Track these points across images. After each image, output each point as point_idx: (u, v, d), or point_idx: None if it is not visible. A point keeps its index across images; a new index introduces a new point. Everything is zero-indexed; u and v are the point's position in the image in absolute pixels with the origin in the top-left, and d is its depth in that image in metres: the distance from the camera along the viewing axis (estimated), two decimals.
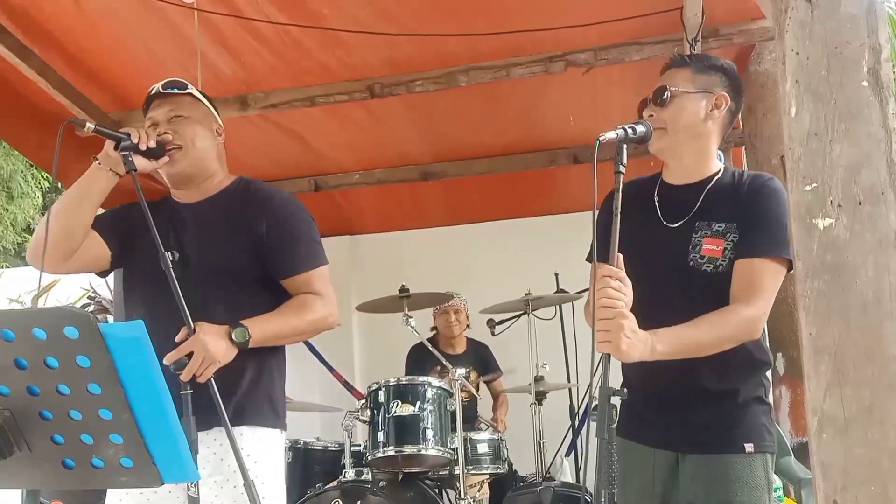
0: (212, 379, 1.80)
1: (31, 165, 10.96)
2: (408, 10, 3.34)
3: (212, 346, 1.81)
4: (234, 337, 1.86)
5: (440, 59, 3.68)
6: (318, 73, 3.78)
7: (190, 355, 1.79)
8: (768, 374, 1.95)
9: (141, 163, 1.94)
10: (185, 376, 1.78)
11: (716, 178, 1.92)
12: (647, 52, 3.54)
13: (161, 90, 2.07)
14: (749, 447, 1.82)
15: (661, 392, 1.91)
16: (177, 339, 1.82)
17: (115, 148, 1.91)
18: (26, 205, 12.51)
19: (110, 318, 6.02)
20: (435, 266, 5.08)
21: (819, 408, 1.37)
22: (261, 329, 1.92)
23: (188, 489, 1.75)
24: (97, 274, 2.13)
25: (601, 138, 1.69)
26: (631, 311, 1.68)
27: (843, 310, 1.36)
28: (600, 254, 1.72)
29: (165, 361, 1.76)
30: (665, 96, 1.88)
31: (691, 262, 1.86)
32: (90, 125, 1.87)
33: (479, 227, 5.41)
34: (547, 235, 5.01)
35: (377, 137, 4.59)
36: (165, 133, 2.01)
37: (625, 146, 1.73)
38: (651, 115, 1.89)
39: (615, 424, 1.98)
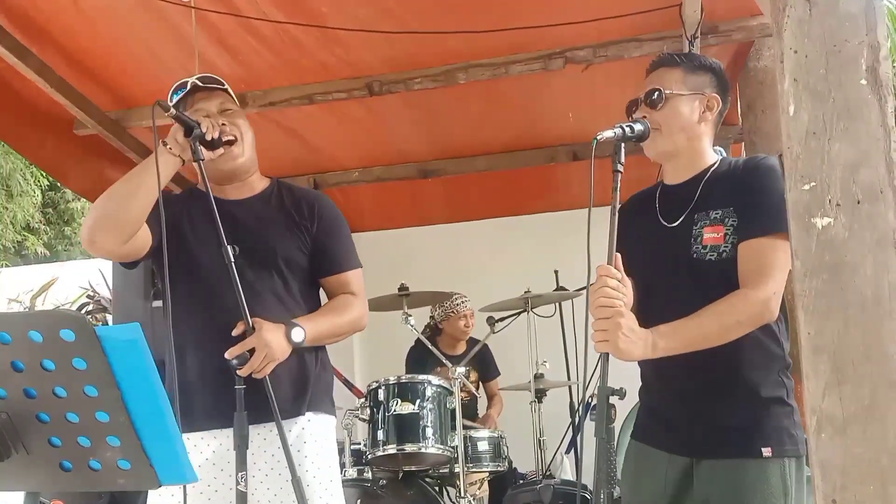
0: (266, 377, 1.84)
1: (31, 164, 10.95)
2: (407, 8, 3.33)
3: (274, 343, 1.87)
4: (292, 336, 1.92)
5: (439, 57, 3.67)
6: (317, 72, 3.78)
7: (251, 351, 1.83)
8: (789, 372, 1.87)
9: (205, 153, 1.95)
10: (244, 371, 1.82)
11: (712, 169, 1.91)
12: (647, 49, 3.53)
13: (201, 84, 2.08)
14: (767, 451, 1.76)
15: (676, 394, 1.89)
16: (234, 333, 1.87)
17: (186, 135, 1.91)
18: (26, 203, 12.51)
19: (109, 318, 6.03)
20: (434, 264, 5.08)
21: (818, 407, 1.37)
22: (313, 328, 1.99)
23: (238, 483, 1.77)
24: (126, 265, 2.09)
25: (599, 137, 1.69)
26: (643, 312, 1.67)
27: (841, 309, 1.36)
28: (609, 260, 1.70)
29: (227, 356, 1.82)
30: (656, 97, 1.86)
31: (695, 255, 1.83)
32: (173, 110, 1.89)
33: (479, 225, 5.41)
34: (546, 233, 5.01)
35: (376, 135, 4.59)
36: (223, 125, 2.00)
37: (622, 145, 1.72)
38: (644, 117, 1.86)
39: (623, 428, 1.98)
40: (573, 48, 3.58)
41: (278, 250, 2.05)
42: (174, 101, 2.08)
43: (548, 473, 3.78)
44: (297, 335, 1.92)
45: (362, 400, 3.31)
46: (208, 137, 1.93)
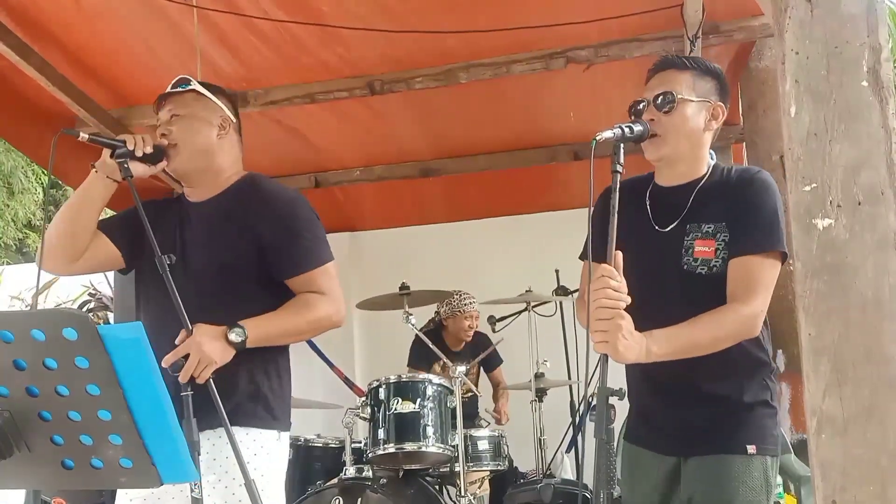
0: (210, 380, 1.81)
1: (32, 162, 10.96)
2: (408, 7, 3.33)
3: (207, 347, 1.81)
4: (230, 337, 1.86)
5: (440, 56, 3.67)
6: (318, 70, 3.78)
7: (187, 357, 1.80)
8: (773, 376, 1.92)
9: (139, 168, 1.96)
10: (182, 378, 1.79)
11: (705, 177, 1.90)
12: (648, 49, 3.53)
13: (168, 90, 2.09)
14: (751, 448, 1.81)
15: (663, 397, 1.91)
16: (176, 341, 1.83)
17: (112, 155, 1.93)
18: (27, 201, 12.51)
19: (111, 315, 6.03)
20: (435, 263, 5.09)
21: (818, 408, 1.37)
22: (259, 329, 1.91)
23: (192, 490, 1.75)
24: (120, 272, 2.16)
25: (598, 137, 1.69)
26: (629, 312, 1.67)
27: (842, 310, 1.36)
28: (596, 252, 1.71)
29: (163, 363, 1.76)
30: (668, 101, 1.84)
31: (685, 266, 1.84)
32: (84, 134, 1.90)
33: (480, 224, 5.41)
34: (547, 232, 5.01)
35: (377, 134, 4.59)
36: (162, 135, 2.02)
37: (622, 145, 1.72)
38: (651, 120, 1.85)
39: (623, 430, 2.00)
40: (575, 48, 3.58)
41: (220, 254, 2.00)
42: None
43: (548, 472, 3.79)
44: (237, 335, 1.86)
45: (363, 398, 3.31)
46: (138, 154, 1.94)
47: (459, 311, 4.42)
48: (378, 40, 3.51)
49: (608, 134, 1.72)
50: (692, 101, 1.86)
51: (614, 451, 1.61)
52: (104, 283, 6.94)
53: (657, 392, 1.91)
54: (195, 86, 2.09)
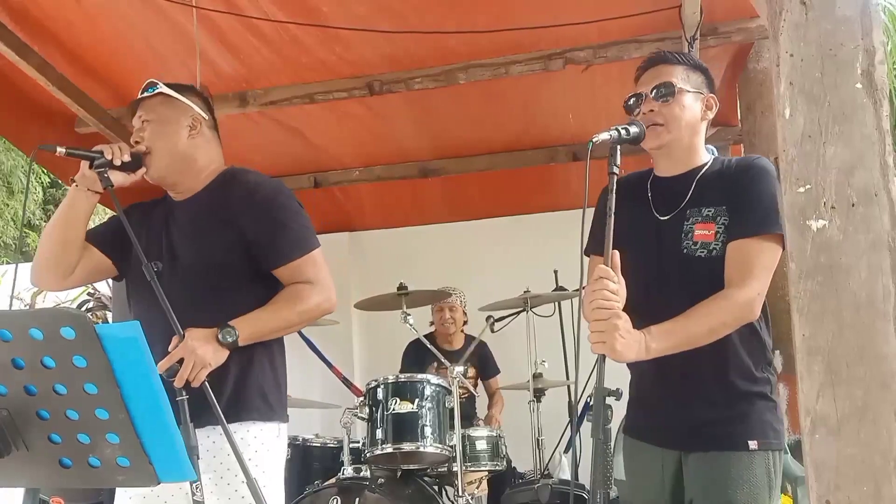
0: (205, 381, 1.82)
1: (31, 161, 10.95)
2: (407, 7, 3.34)
3: (200, 350, 1.83)
4: (220, 338, 1.87)
5: (439, 56, 3.68)
6: (318, 70, 3.79)
7: (181, 361, 1.82)
8: (773, 370, 1.94)
9: (119, 177, 1.97)
10: (178, 383, 1.80)
11: (706, 167, 1.93)
12: (646, 50, 3.53)
13: (138, 96, 2.09)
14: (753, 444, 1.81)
15: (663, 389, 1.91)
16: (170, 348, 1.84)
17: (91, 167, 1.94)
18: (27, 200, 12.49)
19: (109, 315, 6.04)
20: (434, 263, 5.09)
21: (812, 408, 1.38)
22: (250, 326, 1.92)
23: (193, 493, 1.75)
24: (114, 279, 2.18)
25: (595, 139, 1.70)
26: (631, 305, 1.68)
27: (836, 311, 1.37)
28: (596, 249, 1.72)
29: (158, 369, 1.74)
30: (667, 90, 1.87)
31: (685, 250, 1.86)
32: (61, 149, 1.91)
33: (479, 224, 5.41)
34: (546, 232, 5.01)
35: (377, 134, 4.60)
36: (135, 142, 2.03)
37: (618, 147, 1.73)
38: (651, 111, 1.88)
39: (622, 423, 2.00)
40: (573, 49, 3.59)
41: (207, 252, 1.99)
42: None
43: (546, 473, 3.79)
44: (227, 335, 1.87)
45: (361, 398, 3.32)
46: (116, 163, 1.94)
47: (437, 304, 4.43)
48: (377, 40, 3.52)
49: (604, 136, 1.73)
50: (689, 91, 1.90)
51: (611, 451, 1.62)
52: (102, 282, 6.95)
53: (656, 384, 1.91)
54: (162, 88, 2.08)
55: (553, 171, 4.93)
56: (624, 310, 1.67)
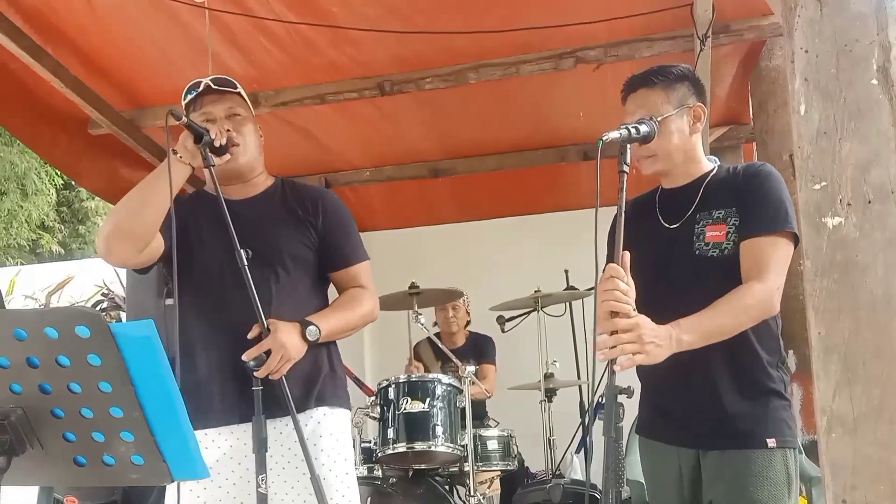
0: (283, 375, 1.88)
1: (45, 163, 11.04)
2: (417, 8, 3.34)
3: (290, 344, 1.89)
4: (307, 335, 1.95)
5: (450, 57, 3.68)
6: (328, 71, 3.79)
7: (267, 353, 1.85)
8: (787, 369, 1.94)
9: (213, 159, 1.97)
10: (262, 373, 1.85)
11: (710, 174, 1.95)
12: (658, 49, 3.53)
13: (213, 86, 2.09)
14: (771, 442, 1.81)
15: (679, 387, 1.90)
16: (250, 336, 1.88)
17: (196, 141, 1.93)
18: (41, 202, 12.61)
19: (123, 315, 6.07)
20: (445, 263, 5.09)
21: (828, 407, 1.37)
22: (326, 325, 2.01)
23: (258, 486, 1.79)
24: (138, 271, 2.12)
25: (605, 138, 1.71)
26: (646, 305, 1.69)
27: (852, 309, 1.36)
28: (615, 259, 1.72)
29: (245, 357, 1.84)
30: (650, 131, 1.83)
31: (697, 252, 1.88)
32: (184, 118, 1.91)
33: (489, 224, 5.41)
34: (556, 232, 5.00)
35: (387, 135, 4.60)
36: (229, 130, 2.03)
37: (628, 146, 1.74)
38: (639, 147, 1.87)
39: (636, 423, 1.99)
40: (584, 48, 3.58)
41: (284, 248, 2.06)
42: (186, 100, 2.11)
43: (558, 473, 3.78)
44: (312, 334, 1.95)
45: (373, 398, 3.32)
46: (217, 144, 1.95)
47: (441, 305, 4.42)
48: (388, 41, 3.52)
49: (614, 135, 1.74)
50: (671, 114, 1.89)
51: (623, 450, 1.62)
52: (116, 283, 6.98)
53: (672, 382, 1.90)
54: (241, 91, 2.16)
55: (563, 171, 4.92)
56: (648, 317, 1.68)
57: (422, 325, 3.58)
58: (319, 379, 2.05)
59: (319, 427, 2.02)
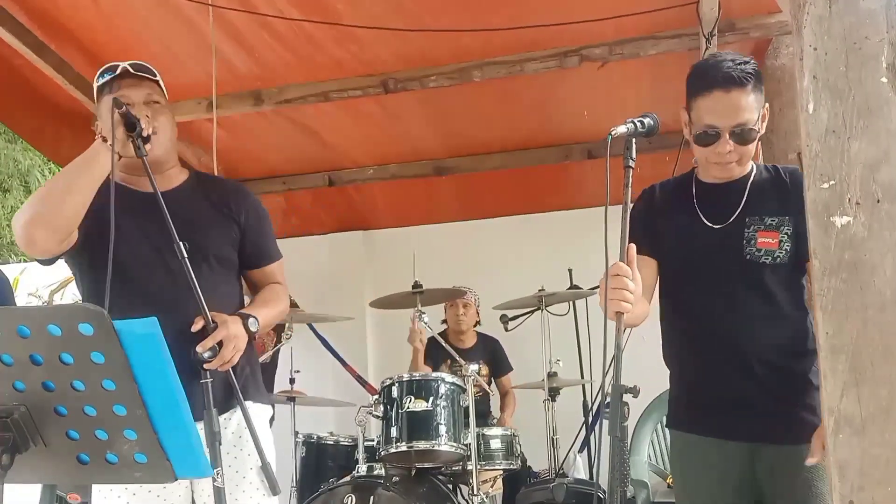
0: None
1: (49, 160, 11.04)
2: (422, 6, 3.33)
3: (241, 336, 1.91)
4: (250, 327, 1.95)
5: (454, 54, 3.67)
6: (332, 69, 3.79)
7: (219, 343, 1.86)
8: None
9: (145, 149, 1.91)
10: (214, 364, 1.84)
11: (753, 174, 1.95)
12: (663, 47, 3.51)
13: (131, 70, 2.03)
14: None
15: (733, 381, 1.90)
16: (194, 328, 1.86)
17: (128, 131, 1.88)
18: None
19: None
20: (448, 261, 5.08)
21: (836, 407, 1.36)
22: (262, 318, 2.04)
23: (214, 479, 1.77)
24: (42, 262, 2.03)
25: (613, 133, 1.70)
26: (692, 310, 1.73)
27: (860, 308, 1.34)
28: (640, 247, 1.75)
29: (199, 349, 1.83)
30: (750, 138, 1.86)
31: (748, 256, 1.88)
32: (125, 107, 1.87)
33: (493, 223, 5.39)
34: (561, 231, 4.99)
35: (391, 132, 4.60)
36: (147, 116, 1.97)
37: (633, 140, 1.73)
38: (729, 152, 1.87)
39: (666, 418, 1.98)
40: (589, 46, 3.57)
41: (209, 246, 2.03)
42: (101, 81, 2.05)
43: (561, 472, 3.78)
44: (253, 325, 1.97)
45: (376, 397, 3.32)
46: (145, 134, 1.90)
47: (452, 302, 4.40)
48: (392, 39, 3.51)
49: (622, 129, 1.73)
50: (759, 118, 1.88)
51: (628, 449, 1.61)
52: None
53: (725, 377, 1.90)
54: (159, 79, 2.09)
55: (568, 170, 4.91)
56: (683, 315, 1.72)
57: (425, 323, 3.57)
58: (241, 375, 2.02)
59: (237, 427, 1.99)
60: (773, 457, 1.86)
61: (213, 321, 1.87)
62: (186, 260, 1.83)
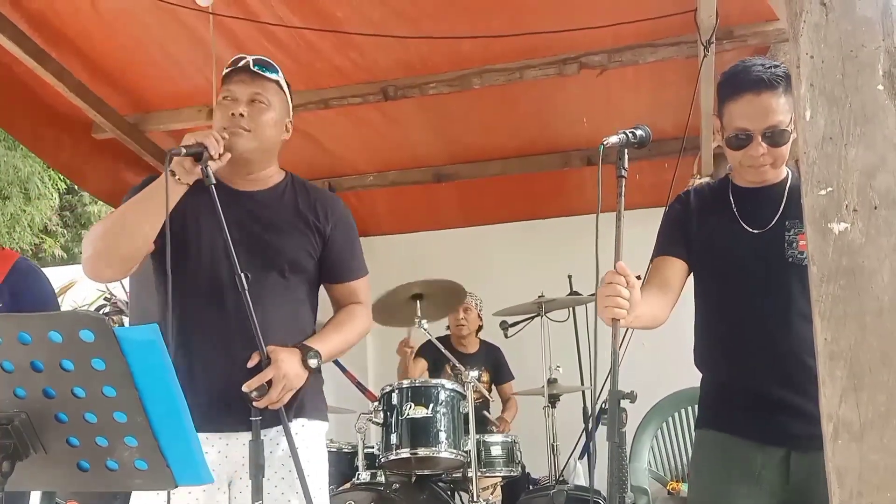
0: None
1: (49, 167, 11.06)
2: (422, 13, 3.34)
3: (292, 374, 1.83)
4: (309, 364, 1.88)
5: (454, 62, 3.68)
6: (332, 76, 3.80)
7: (268, 382, 1.79)
8: None
9: (212, 167, 1.85)
10: (262, 404, 1.78)
11: (789, 178, 1.96)
12: (662, 54, 3.53)
13: (251, 67, 1.97)
14: None
15: (770, 383, 1.90)
16: (249, 364, 1.81)
17: (196, 160, 1.82)
18: (43, 206, 12.61)
19: (125, 320, 6.07)
20: (449, 268, 5.08)
21: (834, 413, 1.36)
22: (326, 349, 1.96)
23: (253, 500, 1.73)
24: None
25: (605, 143, 1.72)
26: (736, 314, 1.75)
27: (858, 315, 1.35)
28: (664, 251, 1.80)
29: (245, 389, 1.76)
30: (784, 140, 1.86)
31: (790, 259, 1.89)
32: (184, 151, 1.82)
33: (493, 229, 5.40)
34: (560, 237, 4.99)
35: (391, 139, 4.60)
36: (239, 114, 1.92)
37: (626, 150, 1.75)
38: (763, 155, 1.88)
39: (699, 417, 2.00)
40: (588, 53, 3.58)
41: (285, 252, 1.96)
42: (226, 72, 2.00)
43: (561, 479, 3.77)
44: (314, 361, 1.89)
45: (376, 403, 3.32)
46: (215, 156, 1.84)
47: (453, 307, 4.40)
48: (392, 46, 3.52)
49: (614, 139, 1.76)
50: (790, 120, 1.87)
51: (626, 455, 1.61)
52: (119, 287, 6.98)
53: (761, 378, 1.90)
54: (281, 78, 2.01)
55: (567, 176, 4.91)
56: (722, 317, 1.75)
57: (425, 329, 3.57)
58: (301, 391, 1.93)
59: (296, 438, 1.88)
60: (811, 464, 1.80)
61: (269, 356, 1.80)
62: (247, 291, 1.75)
